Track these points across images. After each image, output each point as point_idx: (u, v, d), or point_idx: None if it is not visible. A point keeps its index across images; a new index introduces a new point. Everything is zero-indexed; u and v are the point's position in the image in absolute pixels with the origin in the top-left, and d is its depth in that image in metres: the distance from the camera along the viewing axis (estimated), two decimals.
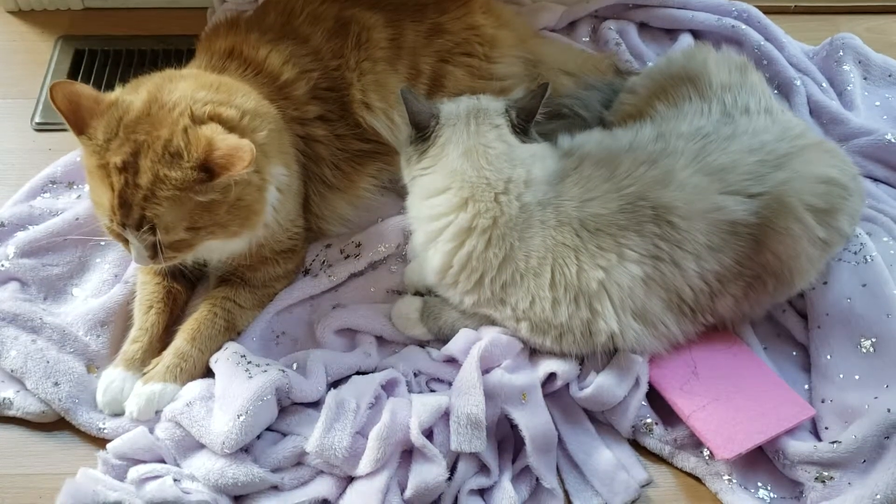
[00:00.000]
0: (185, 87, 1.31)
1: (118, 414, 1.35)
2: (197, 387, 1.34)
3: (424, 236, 1.38)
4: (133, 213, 1.24)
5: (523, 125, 1.38)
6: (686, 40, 1.94)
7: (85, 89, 1.28)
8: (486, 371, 1.31)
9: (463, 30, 1.64)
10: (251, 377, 1.30)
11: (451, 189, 1.33)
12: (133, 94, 1.31)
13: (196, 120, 1.26)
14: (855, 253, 1.47)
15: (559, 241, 1.31)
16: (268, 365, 1.33)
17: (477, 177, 1.32)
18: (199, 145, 1.22)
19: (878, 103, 1.85)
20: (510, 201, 1.31)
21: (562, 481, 1.32)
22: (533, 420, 1.29)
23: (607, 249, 1.30)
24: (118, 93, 1.32)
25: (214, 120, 1.27)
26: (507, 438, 1.33)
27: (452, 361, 1.38)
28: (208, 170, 1.22)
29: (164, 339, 1.43)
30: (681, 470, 1.34)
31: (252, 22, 1.60)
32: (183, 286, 1.50)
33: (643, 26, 2.00)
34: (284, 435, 1.32)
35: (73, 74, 1.89)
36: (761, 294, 1.37)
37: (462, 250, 1.33)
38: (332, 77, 1.55)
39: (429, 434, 1.28)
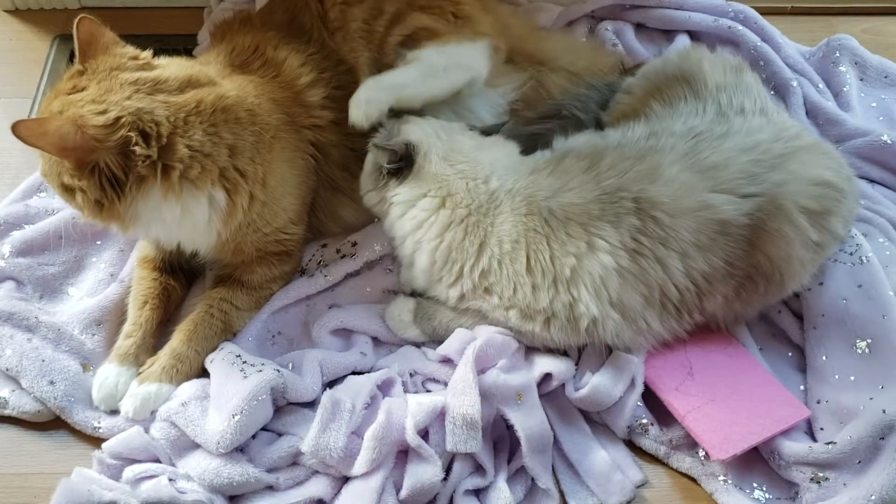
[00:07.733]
0: (192, 95, 1.30)
1: (114, 410, 1.35)
2: (192, 386, 1.34)
3: (412, 246, 1.41)
4: None
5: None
6: (682, 41, 1.94)
7: (108, 32, 1.35)
8: (481, 371, 1.31)
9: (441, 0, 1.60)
10: (246, 377, 1.30)
11: (428, 194, 1.40)
12: (166, 63, 1.36)
13: (134, 120, 1.25)
14: (851, 254, 1.47)
15: (530, 227, 1.34)
16: (263, 365, 1.33)
17: (453, 173, 1.39)
18: (71, 118, 1.22)
19: (874, 104, 1.85)
20: (477, 186, 1.38)
21: (557, 482, 1.32)
22: (529, 420, 1.29)
23: (577, 238, 1.32)
24: (147, 54, 1.37)
25: (137, 131, 1.25)
26: (502, 438, 1.33)
27: (448, 361, 1.38)
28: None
29: (157, 334, 1.43)
30: (676, 470, 1.34)
31: (264, 20, 1.59)
32: (179, 283, 1.50)
33: (640, 27, 2.00)
34: (280, 435, 1.32)
35: None
36: (753, 295, 1.37)
37: (443, 244, 1.38)
38: (340, 75, 1.55)
39: (424, 434, 1.28)
